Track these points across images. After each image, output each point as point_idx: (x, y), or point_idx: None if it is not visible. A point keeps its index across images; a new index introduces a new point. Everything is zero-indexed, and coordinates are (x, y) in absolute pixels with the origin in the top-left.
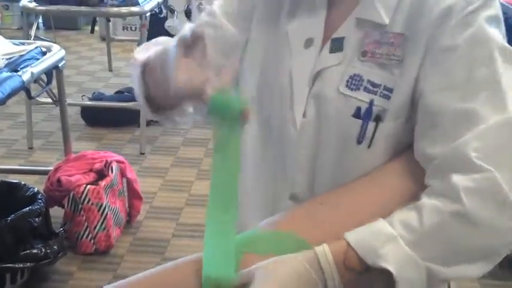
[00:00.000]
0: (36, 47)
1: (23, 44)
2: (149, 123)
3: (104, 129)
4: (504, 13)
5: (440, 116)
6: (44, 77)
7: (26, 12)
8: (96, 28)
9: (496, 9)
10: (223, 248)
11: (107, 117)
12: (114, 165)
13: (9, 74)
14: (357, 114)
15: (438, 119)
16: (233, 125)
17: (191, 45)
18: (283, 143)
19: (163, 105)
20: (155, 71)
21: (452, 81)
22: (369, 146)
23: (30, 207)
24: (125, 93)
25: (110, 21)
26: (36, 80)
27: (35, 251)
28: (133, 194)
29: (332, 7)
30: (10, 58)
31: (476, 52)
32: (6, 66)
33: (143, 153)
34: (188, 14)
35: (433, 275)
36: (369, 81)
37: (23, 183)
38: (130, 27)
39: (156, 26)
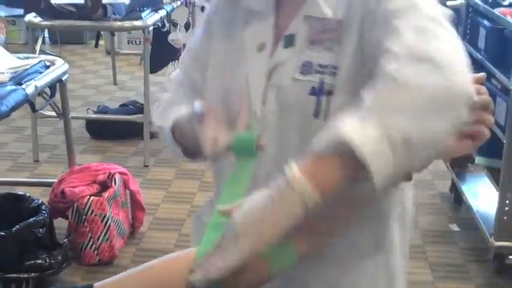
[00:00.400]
0: (39, 61)
1: (27, 58)
2: (153, 136)
3: (109, 142)
4: (501, 25)
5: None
6: (48, 90)
7: (32, 27)
8: (102, 42)
9: None
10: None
11: (111, 130)
12: (117, 177)
13: (13, 87)
14: (312, 92)
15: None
16: (251, 156)
17: (202, 116)
18: None
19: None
20: (184, 138)
21: (383, 25)
22: (324, 119)
23: (34, 218)
24: (130, 107)
25: (114, 35)
26: (40, 93)
27: (39, 261)
28: (136, 206)
29: (280, 10)
30: (15, 72)
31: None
32: (10, 80)
33: (147, 166)
34: (187, 27)
35: (394, 135)
36: (318, 64)
37: (27, 195)
38: (135, 41)
39: (159, 39)
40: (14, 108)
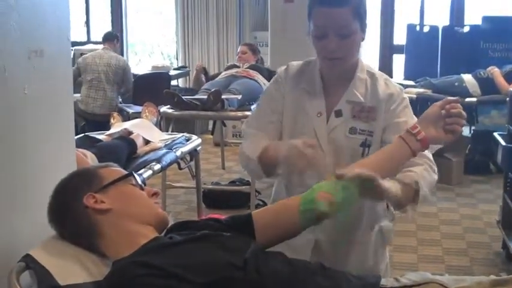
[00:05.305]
0: (182, 135)
1: (170, 134)
2: (257, 206)
3: (221, 210)
4: None
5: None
6: (187, 157)
7: (166, 116)
8: (210, 136)
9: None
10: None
11: (223, 200)
12: None
13: (167, 150)
14: (361, 145)
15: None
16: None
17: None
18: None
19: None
20: (268, 164)
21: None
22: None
23: None
24: (237, 183)
25: (225, 125)
26: (182, 158)
27: None
28: None
29: (326, 92)
30: (165, 142)
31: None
32: (164, 146)
33: None
34: None
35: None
36: (360, 129)
37: None
38: (239, 134)
39: None
40: (169, 164)
